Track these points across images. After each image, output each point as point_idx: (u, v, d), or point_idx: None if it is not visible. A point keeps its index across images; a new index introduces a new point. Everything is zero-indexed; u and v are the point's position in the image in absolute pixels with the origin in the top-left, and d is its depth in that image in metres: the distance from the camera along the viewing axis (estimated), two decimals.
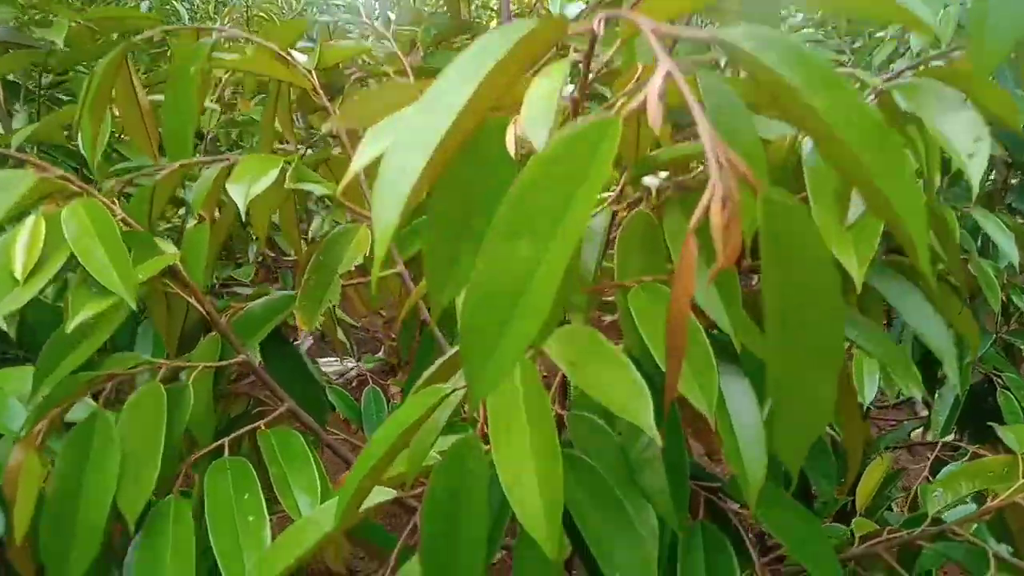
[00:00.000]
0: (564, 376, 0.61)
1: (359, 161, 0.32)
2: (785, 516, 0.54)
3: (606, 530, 0.47)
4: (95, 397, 0.57)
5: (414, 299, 0.62)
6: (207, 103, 1.15)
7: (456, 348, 0.67)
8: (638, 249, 0.53)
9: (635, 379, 0.40)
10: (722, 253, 0.23)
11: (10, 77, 1.32)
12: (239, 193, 0.55)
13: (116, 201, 0.57)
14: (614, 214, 0.60)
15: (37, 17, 1.28)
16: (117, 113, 0.83)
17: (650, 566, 0.46)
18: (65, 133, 1.07)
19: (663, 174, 0.58)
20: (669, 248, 0.51)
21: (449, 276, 0.36)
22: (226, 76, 1.43)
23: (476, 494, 0.41)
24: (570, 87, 0.43)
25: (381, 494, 0.48)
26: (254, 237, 1.52)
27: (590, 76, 0.42)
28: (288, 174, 0.59)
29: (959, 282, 0.62)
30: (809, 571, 0.52)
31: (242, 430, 0.60)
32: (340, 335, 1.33)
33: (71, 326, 0.46)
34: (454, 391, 0.43)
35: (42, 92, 1.23)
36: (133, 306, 0.46)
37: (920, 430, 1.59)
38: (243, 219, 0.55)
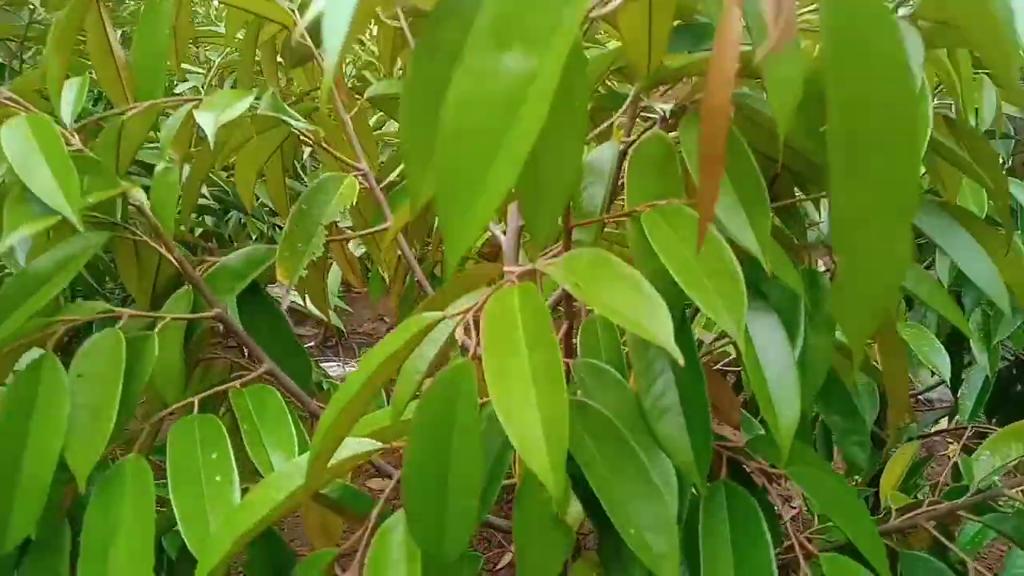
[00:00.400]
0: (569, 327, 0.55)
1: (310, 14, 0.27)
2: (817, 475, 0.48)
3: (620, 482, 0.41)
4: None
5: (397, 227, 0.57)
6: (189, 67, 1.11)
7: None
8: (652, 173, 0.47)
9: (650, 294, 0.34)
10: (774, 29, 0.17)
11: None
12: (208, 121, 0.50)
13: (74, 134, 0.52)
14: (624, 152, 0.55)
15: None
16: (95, 76, 0.78)
17: (670, 521, 0.40)
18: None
19: (673, 98, 0.53)
20: (688, 167, 0.45)
21: (429, 163, 0.30)
22: (220, 60, 1.39)
23: (469, 427, 0.35)
24: None
25: (362, 445, 0.42)
26: (253, 237, 1.47)
27: None
28: (263, 101, 0.54)
29: (1004, 222, 0.56)
30: (845, 533, 0.46)
31: (214, 389, 0.54)
32: (334, 319, 1.28)
33: (4, 245, 0.41)
34: (445, 318, 0.38)
35: (24, 68, 1.19)
36: (79, 227, 0.41)
37: (943, 420, 1.52)
38: (213, 144, 0.50)
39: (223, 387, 0.54)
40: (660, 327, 0.33)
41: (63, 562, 0.45)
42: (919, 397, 1.70)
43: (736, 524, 0.45)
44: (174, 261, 0.57)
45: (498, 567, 1.77)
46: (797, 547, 0.45)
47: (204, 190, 1.21)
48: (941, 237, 0.51)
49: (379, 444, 0.43)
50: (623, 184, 0.51)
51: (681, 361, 0.32)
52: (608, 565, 0.43)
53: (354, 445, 0.42)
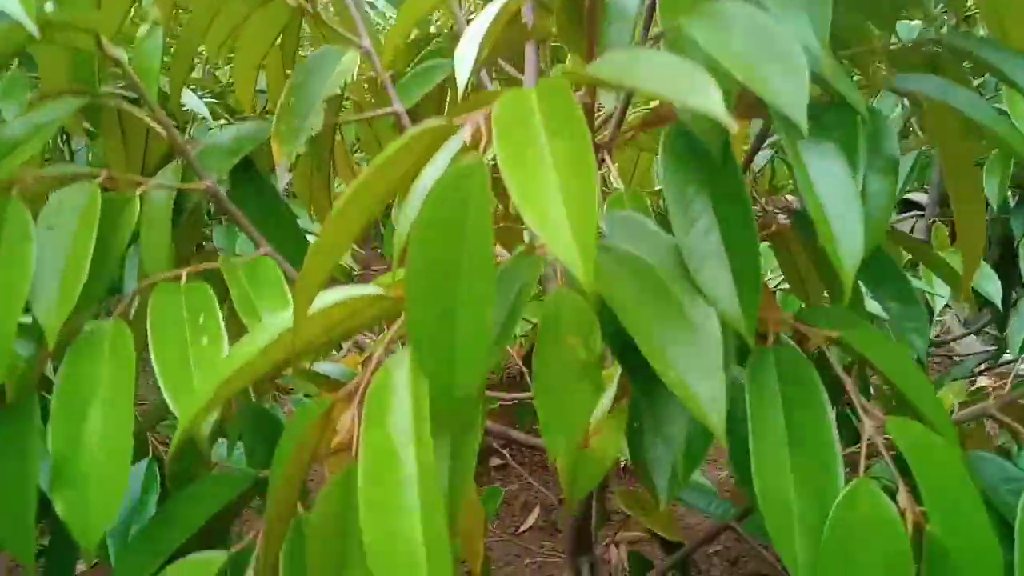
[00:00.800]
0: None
1: None
2: (875, 338, 0.43)
3: (657, 326, 0.35)
4: None
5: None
6: None
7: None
8: None
9: (694, 69, 0.29)
10: None
11: None
12: None
13: None
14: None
15: None
16: None
17: (715, 364, 0.34)
18: None
19: None
20: None
21: None
22: None
23: (480, 234, 0.29)
24: None
25: (357, 289, 0.37)
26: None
27: None
28: None
29: None
30: (909, 397, 0.40)
31: (206, 265, 0.49)
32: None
33: None
34: (454, 127, 0.32)
35: None
36: (34, 33, 0.36)
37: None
38: None
39: (214, 264, 0.50)
40: (708, 97, 0.27)
41: (33, 429, 0.40)
42: (953, 357, 1.62)
43: (787, 384, 0.40)
44: (161, 130, 0.52)
45: (520, 530, 1.72)
46: (860, 410, 0.39)
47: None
48: (1005, 64, 0.44)
49: (377, 290, 0.37)
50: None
51: (734, 129, 0.27)
52: (640, 420, 0.38)
53: (349, 290, 0.37)
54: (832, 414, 0.39)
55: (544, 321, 0.36)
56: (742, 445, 0.40)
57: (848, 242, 0.36)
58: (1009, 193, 1.15)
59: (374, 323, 0.40)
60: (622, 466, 1.64)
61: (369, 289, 0.37)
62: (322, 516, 0.32)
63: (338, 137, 0.86)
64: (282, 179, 0.55)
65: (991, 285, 0.99)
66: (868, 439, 0.38)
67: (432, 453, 0.31)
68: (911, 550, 0.35)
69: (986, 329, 1.49)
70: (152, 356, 0.40)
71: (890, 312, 0.55)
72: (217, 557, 0.40)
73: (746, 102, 0.44)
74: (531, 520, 1.77)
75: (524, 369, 1.02)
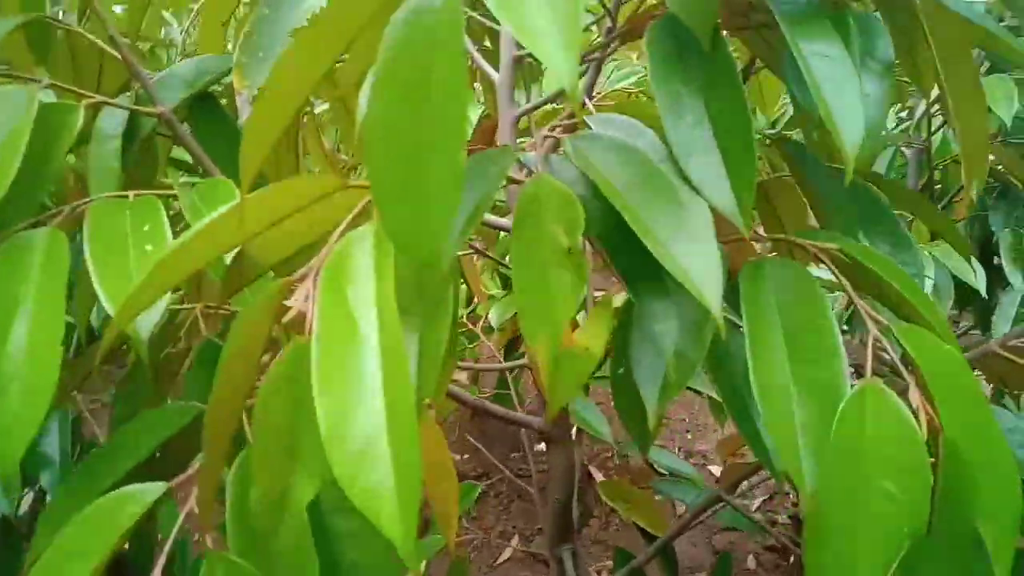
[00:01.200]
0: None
1: None
2: (875, 253, 0.40)
3: (651, 208, 0.32)
4: None
5: None
6: None
7: None
8: None
9: None
10: None
11: None
12: None
13: None
14: None
15: None
16: None
17: (707, 236, 0.31)
18: None
19: None
20: None
21: None
22: None
23: (450, 65, 0.26)
24: None
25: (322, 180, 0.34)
26: None
27: None
28: None
29: None
30: (918, 309, 0.37)
31: (160, 191, 0.45)
32: None
33: None
34: None
35: None
36: None
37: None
38: None
39: (168, 191, 0.46)
40: None
41: None
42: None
43: (783, 291, 0.36)
44: (115, 52, 0.48)
45: (498, 561, 1.65)
46: (864, 314, 0.36)
47: None
48: None
49: (343, 181, 0.34)
50: None
51: None
52: (630, 313, 0.34)
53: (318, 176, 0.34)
54: (834, 316, 0.36)
55: (523, 205, 0.33)
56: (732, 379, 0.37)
57: (848, 118, 0.33)
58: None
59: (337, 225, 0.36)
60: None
61: (340, 182, 0.34)
62: (269, 400, 0.28)
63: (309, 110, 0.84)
64: (242, 112, 0.52)
65: (976, 271, 0.98)
66: (874, 342, 0.35)
67: (398, 324, 0.27)
68: (926, 453, 0.32)
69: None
70: (88, 259, 0.36)
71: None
72: (152, 489, 0.35)
73: (730, 9, 0.42)
74: (507, 552, 1.71)
75: (500, 358, 0.98)
